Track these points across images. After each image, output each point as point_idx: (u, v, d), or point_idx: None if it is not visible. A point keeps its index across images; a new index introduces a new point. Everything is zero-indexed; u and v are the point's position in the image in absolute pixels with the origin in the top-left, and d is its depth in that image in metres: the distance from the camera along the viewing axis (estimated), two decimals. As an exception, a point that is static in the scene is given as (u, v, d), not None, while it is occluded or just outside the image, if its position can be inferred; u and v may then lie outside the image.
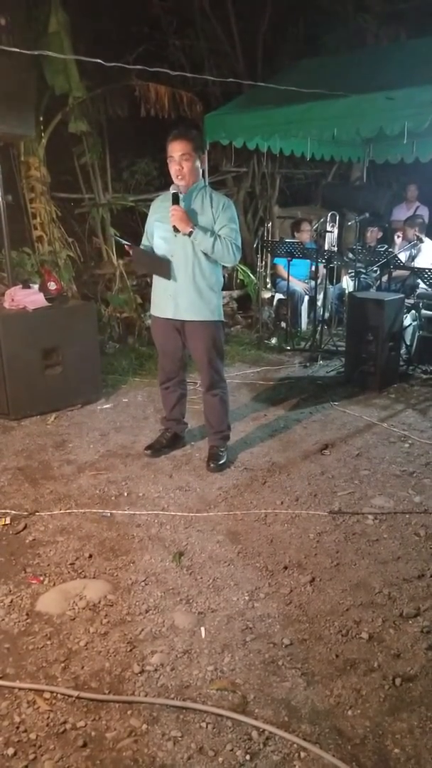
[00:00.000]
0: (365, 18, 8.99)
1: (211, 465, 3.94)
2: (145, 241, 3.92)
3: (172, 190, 3.61)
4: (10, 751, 1.96)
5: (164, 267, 3.73)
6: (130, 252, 3.86)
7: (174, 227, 3.58)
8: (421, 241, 6.76)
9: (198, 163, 3.63)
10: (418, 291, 6.30)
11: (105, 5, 8.08)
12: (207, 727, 2.05)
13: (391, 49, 7.70)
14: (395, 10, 8.92)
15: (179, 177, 3.59)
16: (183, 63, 9.06)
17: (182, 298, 3.73)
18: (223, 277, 3.97)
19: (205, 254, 3.65)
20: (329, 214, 7.69)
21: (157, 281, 3.83)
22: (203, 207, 3.65)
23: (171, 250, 3.70)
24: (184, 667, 2.32)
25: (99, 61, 4.19)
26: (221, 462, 3.97)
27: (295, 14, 9.37)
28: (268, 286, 8.12)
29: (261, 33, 9.26)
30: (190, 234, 3.57)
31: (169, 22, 9.17)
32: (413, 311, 6.17)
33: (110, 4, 8.17)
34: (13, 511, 3.44)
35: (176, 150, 3.55)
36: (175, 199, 3.58)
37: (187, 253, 3.66)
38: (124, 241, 3.91)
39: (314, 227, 7.74)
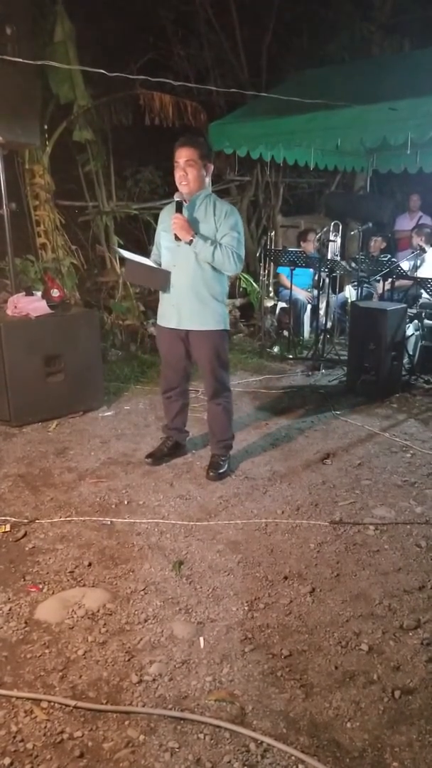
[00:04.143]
0: (369, 29, 9.04)
1: (211, 474, 3.93)
2: (155, 251, 3.91)
3: (176, 198, 3.61)
4: (7, 761, 1.95)
5: (160, 279, 3.72)
6: (125, 261, 3.82)
7: (175, 236, 3.59)
8: (424, 251, 6.77)
9: (203, 172, 3.62)
10: (421, 301, 6.30)
11: (111, 15, 8.15)
12: (205, 738, 2.04)
13: (394, 60, 7.75)
14: (399, 21, 8.97)
15: (183, 183, 3.59)
16: (188, 72, 9.11)
17: (185, 307, 3.72)
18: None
19: (209, 263, 3.65)
20: (332, 224, 7.70)
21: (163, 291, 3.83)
22: (206, 215, 3.65)
23: (174, 259, 3.70)
24: (182, 677, 2.30)
25: (103, 71, 4.21)
26: (221, 471, 3.95)
27: (299, 25, 9.43)
28: (271, 294, 8.13)
29: (265, 43, 9.31)
30: (190, 242, 3.57)
31: (174, 32, 9.23)
32: (416, 321, 6.16)
33: (116, 14, 8.23)
34: (13, 519, 3.44)
35: (182, 156, 3.56)
36: (179, 208, 3.58)
37: (190, 262, 3.65)
38: (121, 251, 3.87)
39: (317, 236, 7.75)
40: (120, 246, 7.37)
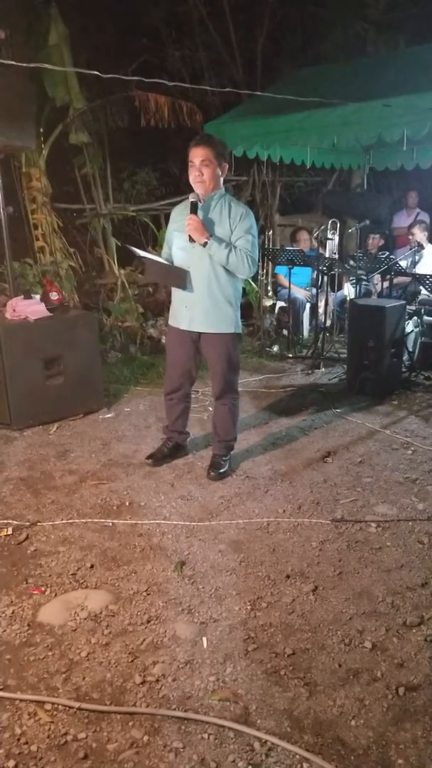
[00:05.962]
0: (363, 26, 9.04)
1: (212, 473, 3.92)
2: (165, 250, 3.89)
3: (191, 198, 3.56)
4: (11, 763, 1.95)
5: (178, 277, 3.69)
6: (141, 260, 3.79)
7: (190, 237, 3.55)
8: (422, 247, 6.77)
9: (219, 171, 3.57)
10: (420, 297, 6.30)
11: (105, 17, 8.16)
12: (209, 738, 2.04)
13: (389, 57, 7.75)
14: (393, 19, 8.97)
15: (198, 182, 3.54)
16: (182, 73, 9.12)
17: (197, 309, 3.69)
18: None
19: (223, 266, 3.62)
20: (330, 222, 7.69)
21: (176, 292, 3.79)
22: (221, 216, 3.60)
23: (188, 260, 3.66)
24: (185, 677, 2.30)
25: (96, 73, 4.21)
26: (222, 471, 3.95)
27: (293, 23, 9.43)
28: (270, 293, 8.12)
29: (260, 42, 9.31)
30: (205, 244, 3.53)
31: (168, 33, 9.24)
32: (415, 318, 6.16)
33: (110, 16, 8.25)
34: (15, 522, 3.43)
35: (197, 156, 3.51)
36: (194, 208, 3.54)
37: (204, 264, 3.61)
38: (137, 251, 3.86)
39: (315, 235, 7.75)
40: (118, 247, 7.39)
